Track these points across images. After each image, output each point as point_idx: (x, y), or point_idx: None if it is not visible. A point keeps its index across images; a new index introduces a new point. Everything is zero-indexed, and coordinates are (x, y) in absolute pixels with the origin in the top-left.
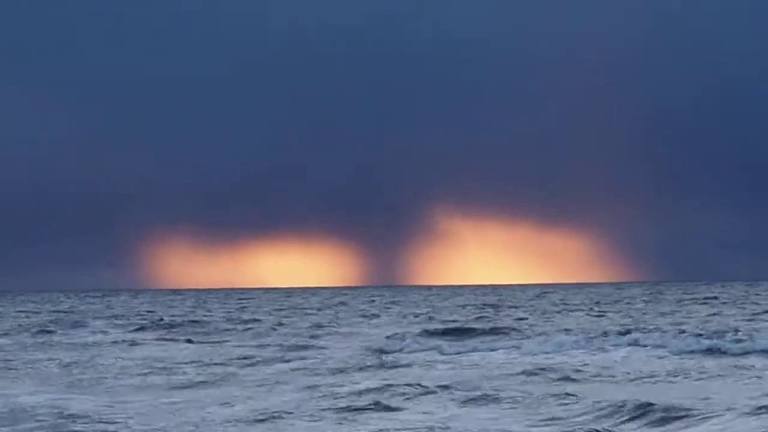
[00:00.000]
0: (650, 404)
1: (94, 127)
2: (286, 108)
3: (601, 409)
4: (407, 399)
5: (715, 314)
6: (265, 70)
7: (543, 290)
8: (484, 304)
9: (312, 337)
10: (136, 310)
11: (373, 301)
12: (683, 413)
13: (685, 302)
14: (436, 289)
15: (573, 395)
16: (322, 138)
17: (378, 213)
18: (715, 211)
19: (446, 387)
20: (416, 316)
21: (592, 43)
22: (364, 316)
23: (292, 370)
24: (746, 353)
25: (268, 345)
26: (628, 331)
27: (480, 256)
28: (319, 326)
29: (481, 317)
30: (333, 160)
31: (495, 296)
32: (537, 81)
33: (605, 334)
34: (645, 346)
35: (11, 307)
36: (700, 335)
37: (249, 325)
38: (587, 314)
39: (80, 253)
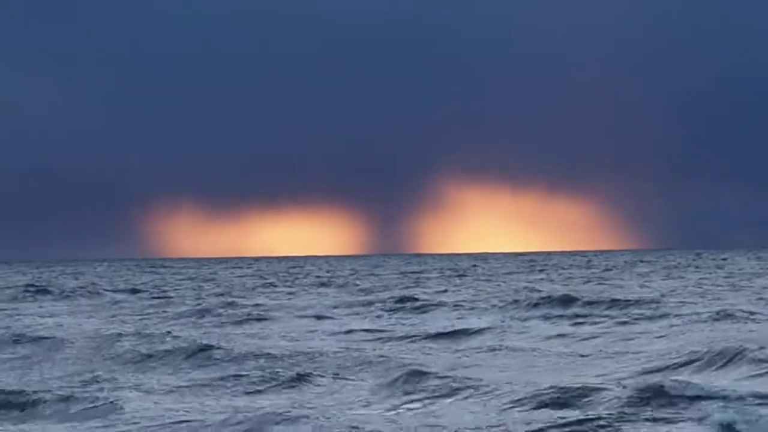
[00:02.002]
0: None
1: (102, 103)
2: (295, 82)
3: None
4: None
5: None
6: (276, 46)
7: (536, 258)
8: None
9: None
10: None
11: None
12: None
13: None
14: (439, 258)
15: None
16: (328, 108)
17: (385, 182)
18: (725, 182)
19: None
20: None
21: (604, 16)
22: (312, 285)
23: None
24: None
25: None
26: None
27: (486, 224)
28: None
29: (407, 287)
30: (339, 129)
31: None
32: (546, 52)
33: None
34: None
35: None
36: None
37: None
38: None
39: (93, 226)
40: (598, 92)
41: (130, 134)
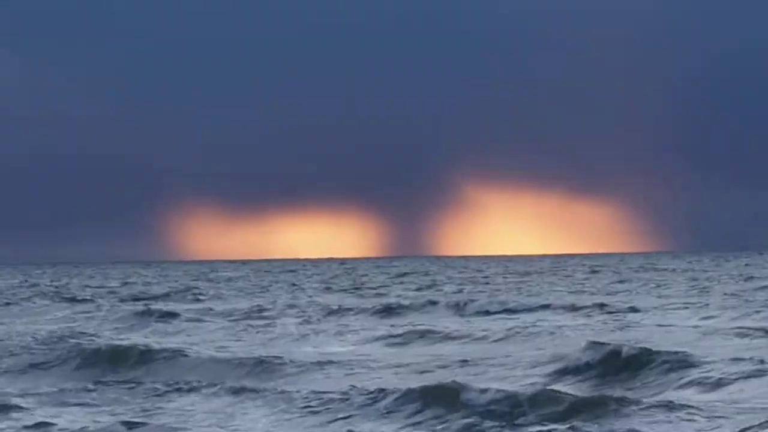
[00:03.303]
0: None
1: (121, 102)
2: (315, 79)
3: None
4: None
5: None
6: (292, 46)
7: (554, 261)
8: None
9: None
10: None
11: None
12: None
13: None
14: (454, 260)
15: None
16: (349, 109)
17: (406, 184)
18: (747, 184)
19: None
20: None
21: (623, 16)
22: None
23: None
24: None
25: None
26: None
27: (507, 226)
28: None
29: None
30: (361, 130)
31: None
32: (567, 54)
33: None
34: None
35: None
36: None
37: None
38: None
39: (115, 227)
40: (619, 94)
41: (151, 134)
